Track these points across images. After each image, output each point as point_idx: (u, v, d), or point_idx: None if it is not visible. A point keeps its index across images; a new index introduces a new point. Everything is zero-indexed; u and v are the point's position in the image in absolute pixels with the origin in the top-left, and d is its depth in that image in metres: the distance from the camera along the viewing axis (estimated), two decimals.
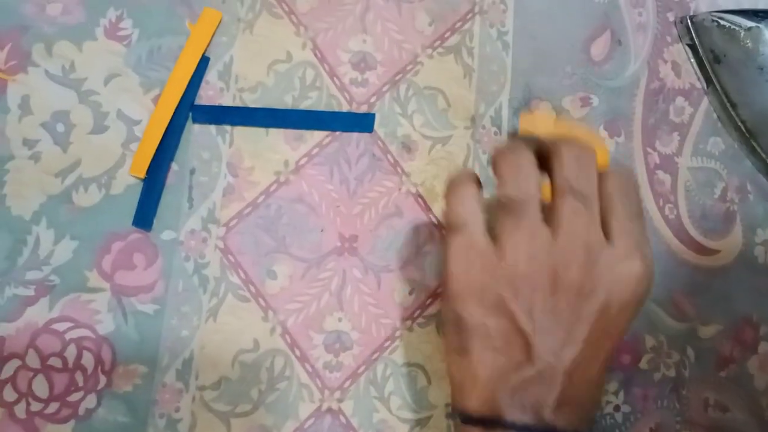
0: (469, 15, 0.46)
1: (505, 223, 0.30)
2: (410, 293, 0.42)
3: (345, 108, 0.43)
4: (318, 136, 0.43)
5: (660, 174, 0.46)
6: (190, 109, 0.41)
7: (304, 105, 0.43)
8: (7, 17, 0.41)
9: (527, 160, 0.30)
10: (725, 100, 0.47)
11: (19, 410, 0.37)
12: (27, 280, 0.39)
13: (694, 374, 0.44)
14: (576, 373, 0.29)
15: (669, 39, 0.47)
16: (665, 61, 0.47)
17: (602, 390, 0.31)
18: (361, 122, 0.43)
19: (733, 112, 0.47)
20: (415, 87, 0.44)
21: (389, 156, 0.43)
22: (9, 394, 0.37)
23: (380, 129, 0.43)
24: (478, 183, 0.33)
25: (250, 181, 0.41)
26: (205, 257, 0.40)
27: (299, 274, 0.41)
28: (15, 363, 0.38)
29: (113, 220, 0.40)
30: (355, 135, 0.43)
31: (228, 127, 0.42)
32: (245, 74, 0.42)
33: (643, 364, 0.43)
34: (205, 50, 0.42)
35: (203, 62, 0.42)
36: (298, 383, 0.40)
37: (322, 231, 0.41)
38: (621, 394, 0.43)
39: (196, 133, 0.41)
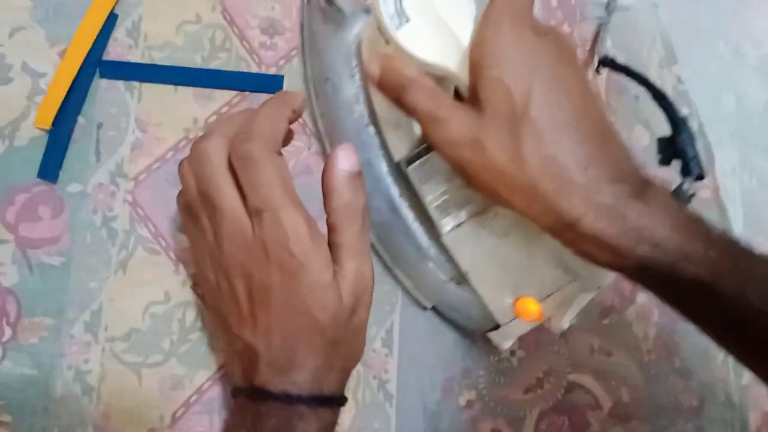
0: None
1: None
2: None
3: (254, 70, 0.44)
4: (227, 95, 0.44)
5: None
6: (98, 65, 0.41)
7: (214, 65, 0.44)
8: None
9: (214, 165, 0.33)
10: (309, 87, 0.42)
11: None
12: None
13: (580, 322, 0.47)
14: (272, 337, 0.31)
15: None
16: None
17: (316, 360, 0.32)
18: (270, 83, 0.44)
19: (314, 104, 0.42)
20: None
21: None
22: None
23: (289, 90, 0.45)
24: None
25: (158, 137, 0.42)
26: (114, 210, 0.40)
27: None
28: None
29: (17, 172, 0.39)
30: (264, 96, 0.44)
31: (137, 84, 0.42)
32: (154, 33, 0.43)
33: None
34: (113, 8, 0.42)
35: (111, 19, 0.42)
36: (211, 334, 0.40)
37: None
38: (516, 341, 0.46)
39: (103, 88, 0.42)
